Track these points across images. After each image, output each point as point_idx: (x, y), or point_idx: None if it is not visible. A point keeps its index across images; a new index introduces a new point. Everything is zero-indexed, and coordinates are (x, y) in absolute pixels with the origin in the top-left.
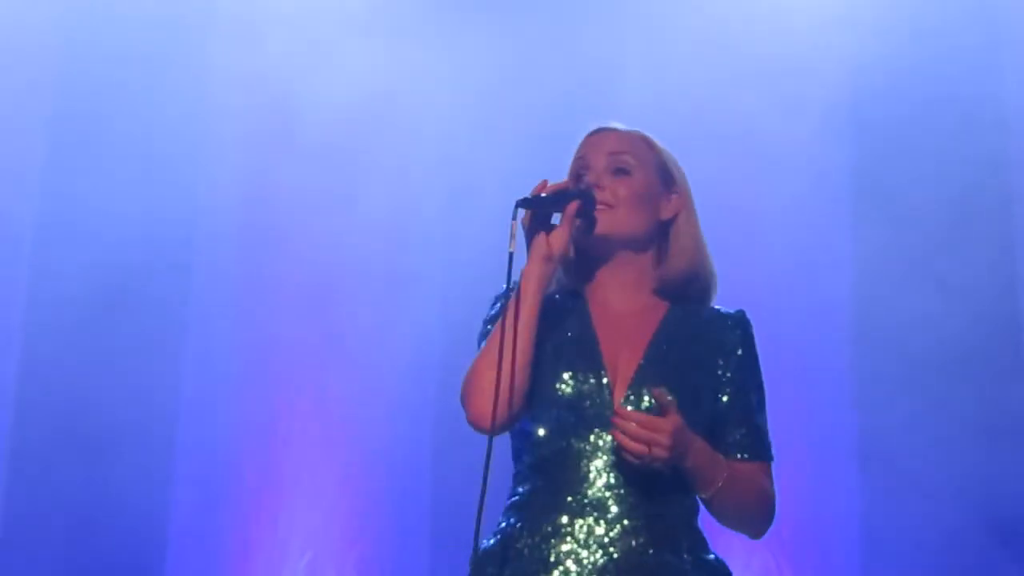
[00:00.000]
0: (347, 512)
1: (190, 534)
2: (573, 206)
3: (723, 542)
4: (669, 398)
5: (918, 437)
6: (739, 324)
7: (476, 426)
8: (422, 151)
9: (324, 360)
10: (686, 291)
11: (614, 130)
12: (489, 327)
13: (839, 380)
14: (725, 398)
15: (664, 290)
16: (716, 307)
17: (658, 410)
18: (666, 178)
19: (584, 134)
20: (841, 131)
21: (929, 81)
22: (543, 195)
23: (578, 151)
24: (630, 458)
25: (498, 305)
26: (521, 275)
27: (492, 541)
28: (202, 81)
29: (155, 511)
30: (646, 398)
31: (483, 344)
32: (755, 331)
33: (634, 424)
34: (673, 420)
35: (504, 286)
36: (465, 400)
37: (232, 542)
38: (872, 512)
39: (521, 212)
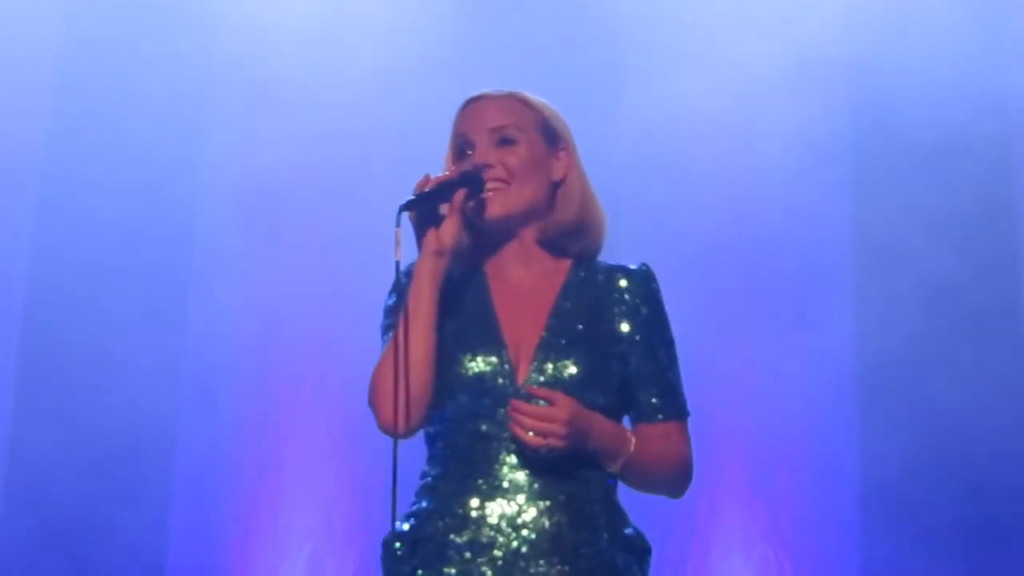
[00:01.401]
0: (347, 506)
1: (191, 527)
2: (460, 195)
3: (722, 540)
4: (548, 392)
5: (918, 435)
6: (642, 279)
7: (388, 432)
8: (424, 145)
9: (325, 353)
10: (577, 243)
11: (490, 99)
12: (389, 320)
13: (839, 378)
14: (633, 360)
15: (555, 246)
16: (620, 264)
17: (563, 385)
18: (550, 136)
19: (458, 106)
20: (841, 123)
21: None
22: (426, 191)
23: (456, 127)
24: (528, 452)
25: (395, 296)
26: (414, 273)
27: (406, 525)
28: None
29: (156, 504)
30: (548, 373)
31: (384, 344)
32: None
33: (528, 418)
34: (567, 408)
35: (392, 293)
36: (373, 407)
37: (232, 535)
38: (872, 509)
39: (405, 215)
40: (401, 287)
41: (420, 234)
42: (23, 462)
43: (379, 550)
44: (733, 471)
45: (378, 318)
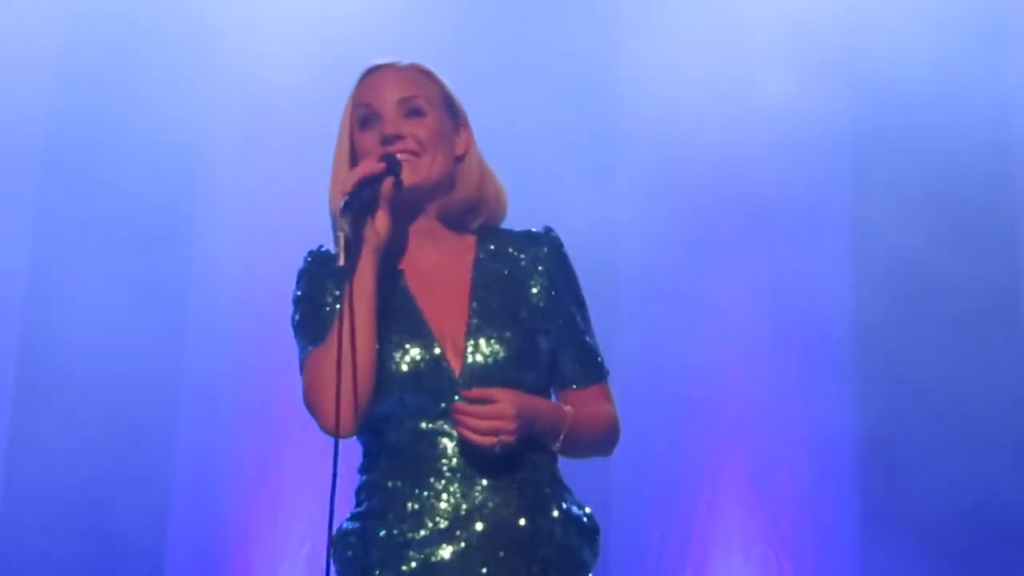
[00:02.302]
0: (347, 505)
1: (190, 524)
2: (388, 183)
3: (721, 539)
4: (487, 392)
5: (918, 432)
6: (547, 244)
7: (331, 433)
8: None
9: None
10: (479, 218)
11: (395, 69)
12: (300, 315)
13: (840, 376)
14: (554, 330)
15: (457, 223)
16: (525, 231)
17: (496, 369)
18: (453, 110)
19: (358, 75)
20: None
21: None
22: (359, 189)
23: (357, 97)
24: (481, 451)
25: (302, 285)
26: (356, 275)
27: (355, 525)
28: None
29: (155, 503)
30: (479, 360)
31: (313, 345)
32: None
33: (475, 420)
34: (512, 402)
35: (337, 304)
36: (314, 408)
37: (232, 534)
38: (871, 507)
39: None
40: (312, 277)
41: (357, 231)
42: (22, 462)
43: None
44: (733, 471)
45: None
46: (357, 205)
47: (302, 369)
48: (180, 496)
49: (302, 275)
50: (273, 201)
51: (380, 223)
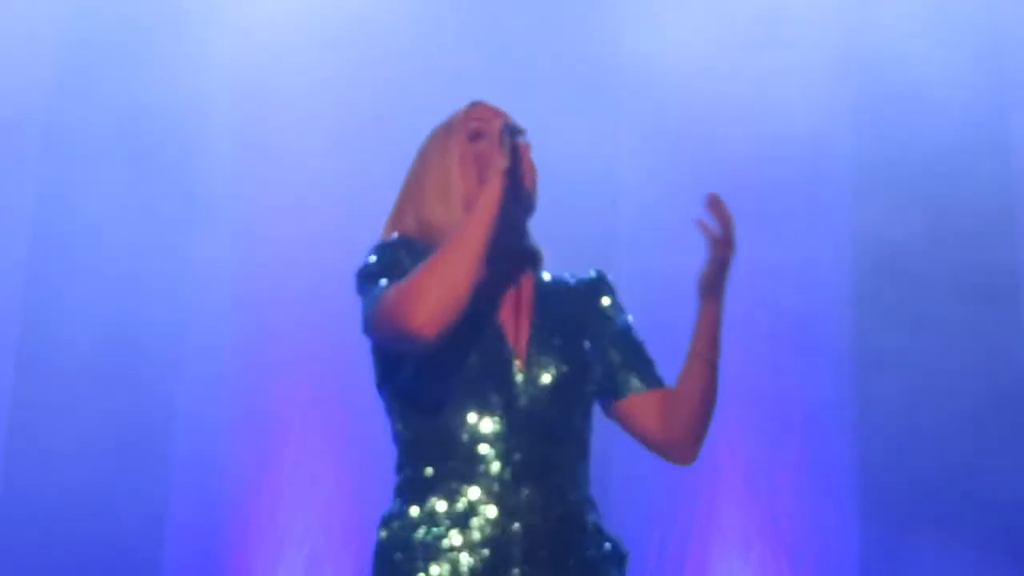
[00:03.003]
0: (346, 505)
1: (189, 526)
2: (527, 148)
3: (720, 538)
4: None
5: (917, 434)
6: (604, 283)
7: (417, 334)
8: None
9: (324, 351)
10: (534, 252)
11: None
12: (380, 264)
13: (838, 377)
14: (614, 347)
15: (521, 251)
16: (574, 272)
17: (555, 381)
18: None
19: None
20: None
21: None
22: (511, 140)
23: (472, 113)
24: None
25: (382, 249)
26: (485, 195)
27: (396, 525)
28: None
29: (153, 504)
30: (542, 367)
31: (391, 280)
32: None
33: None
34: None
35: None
36: (407, 308)
37: (230, 535)
38: (869, 508)
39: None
40: (391, 246)
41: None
42: (19, 463)
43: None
44: (732, 472)
45: None
46: (508, 136)
47: (380, 298)
48: (179, 498)
49: (382, 246)
50: (273, 203)
51: (497, 162)
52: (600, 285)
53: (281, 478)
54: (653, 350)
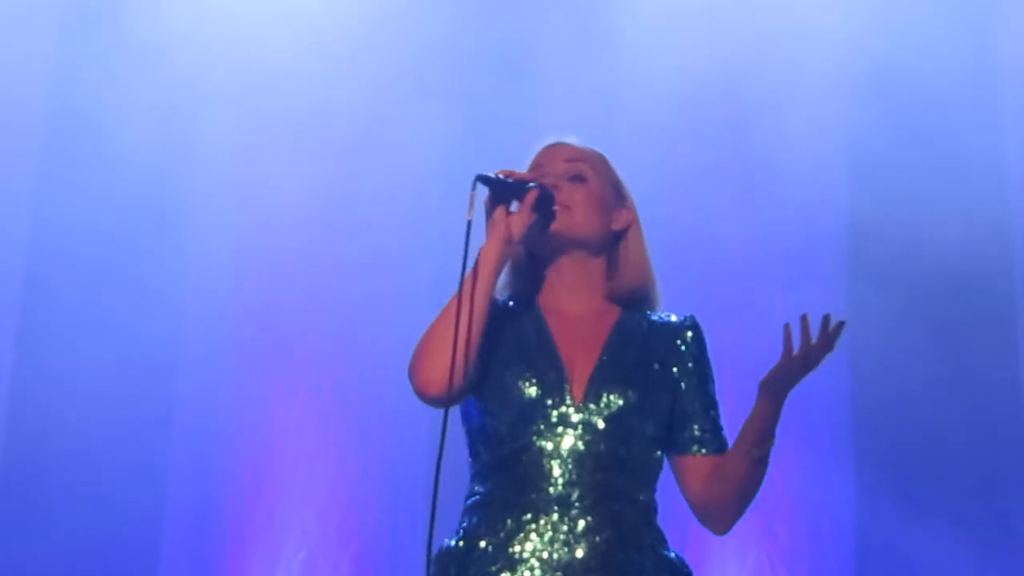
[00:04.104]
0: (342, 510)
1: (185, 531)
2: (533, 194)
3: (717, 543)
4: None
5: (915, 439)
6: (691, 327)
7: (422, 393)
8: (420, 158)
9: (320, 356)
10: (635, 302)
11: (571, 143)
12: None
13: (836, 378)
14: (683, 396)
15: (615, 297)
16: (667, 313)
17: (618, 409)
18: (618, 193)
19: (540, 147)
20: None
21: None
22: (506, 178)
23: (535, 160)
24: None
25: None
26: (479, 254)
27: (454, 541)
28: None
29: (150, 508)
30: (604, 397)
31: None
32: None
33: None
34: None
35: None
36: (414, 368)
37: (227, 539)
38: (866, 510)
39: (480, 186)
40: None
41: (491, 218)
42: (18, 466)
43: (377, 557)
44: None
45: (372, 324)
46: (493, 183)
47: None
48: (175, 502)
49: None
50: (270, 211)
51: (515, 221)
52: (686, 331)
53: (278, 482)
54: None
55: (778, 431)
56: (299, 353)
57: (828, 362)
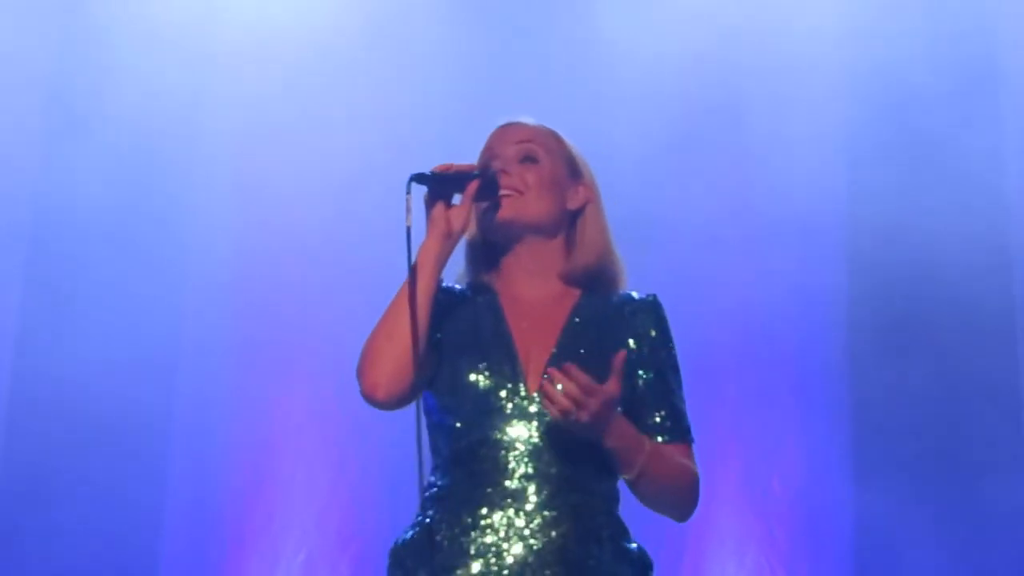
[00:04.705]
0: (342, 511)
1: (185, 532)
2: (473, 185)
3: (716, 544)
4: (585, 379)
5: (913, 442)
6: (652, 308)
7: (368, 397)
8: (422, 153)
9: (320, 357)
10: (594, 282)
11: (522, 123)
12: None
13: (834, 382)
14: (641, 382)
15: (572, 280)
16: (628, 292)
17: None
18: (573, 170)
19: (492, 130)
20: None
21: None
22: (442, 173)
23: (486, 143)
24: (553, 412)
25: None
26: (419, 251)
27: (411, 534)
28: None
29: (149, 509)
30: (560, 388)
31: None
32: (751, 335)
33: (568, 382)
34: (610, 390)
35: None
36: (359, 373)
37: (227, 540)
38: (866, 513)
39: (416, 187)
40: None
41: (430, 215)
42: (16, 469)
43: (376, 558)
44: (726, 478)
45: (372, 326)
46: (434, 188)
47: None
48: (175, 504)
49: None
50: (269, 213)
51: (455, 215)
52: (647, 312)
53: (277, 485)
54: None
55: (775, 435)
56: (299, 354)
57: (828, 364)
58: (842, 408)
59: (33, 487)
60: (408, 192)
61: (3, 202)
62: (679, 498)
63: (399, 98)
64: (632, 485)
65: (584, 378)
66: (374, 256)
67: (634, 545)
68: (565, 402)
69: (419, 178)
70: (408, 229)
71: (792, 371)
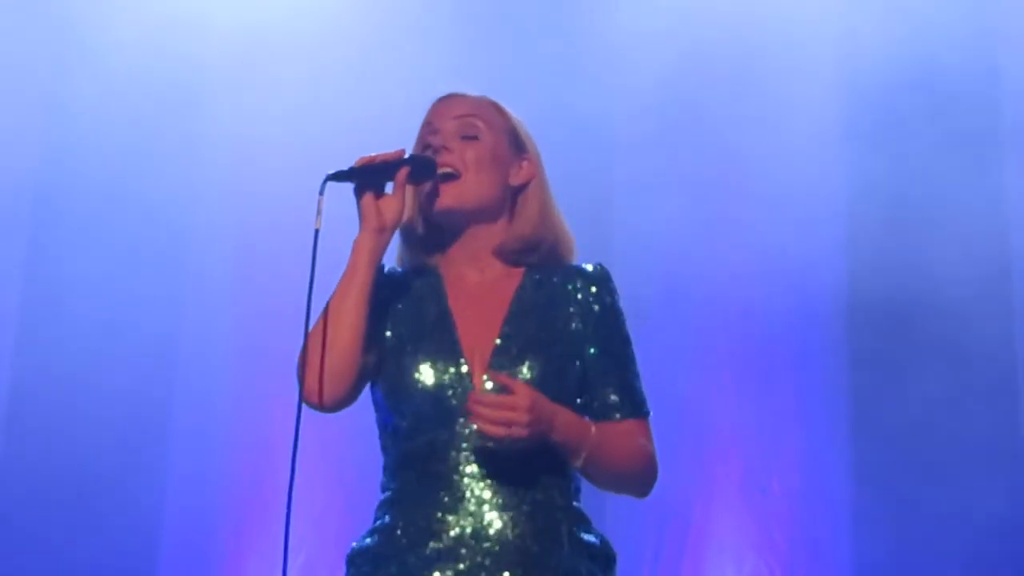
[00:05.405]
0: (341, 514)
1: (184, 536)
2: (403, 172)
3: (715, 546)
4: (508, 380)
5: (912, 446)
6: (597, 279)
7: (308, 403)
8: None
9: None
10: (533, 255)
11: (463, 96)
12: None
13: (833, 384)
14: (590, 359)
15: (509, 256)
16: (575, 264)
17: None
18: (516, 144)
19: (431, 101)
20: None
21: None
22: (362, 166)
23: (425, 118)
24: (490, 443)
25: None
26: (353, 246)
27: (368, 540)
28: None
29: (148, 513)
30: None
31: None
32: (744, 333)
33: (488, 408)
34: (527, 396)
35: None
36: (298, 377)
37: (225, 545)
38: (864, 519)
39: (336, 185)
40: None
41: (360, 209)
42: (14, 471)
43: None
44: (726, 482)
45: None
46: (353, 174)
47: None
48: (173, 508)
49: None
50: (268, 213)
51: (387, 206)
52: (593, 284)
53: (275, 489)
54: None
55: (774, 439)
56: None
57: (828, 366)
58: (841, 410)
59: (33, 486)
60: (321, 193)
61: (3, 201)
62: (633, 479)
63: (399, 98)
64: (582, 472)
65: (496, 399)
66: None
67: (594, 537)
68: (499, 430)
69: (339, 176)
70: (316, 232)
71: (792, 373)
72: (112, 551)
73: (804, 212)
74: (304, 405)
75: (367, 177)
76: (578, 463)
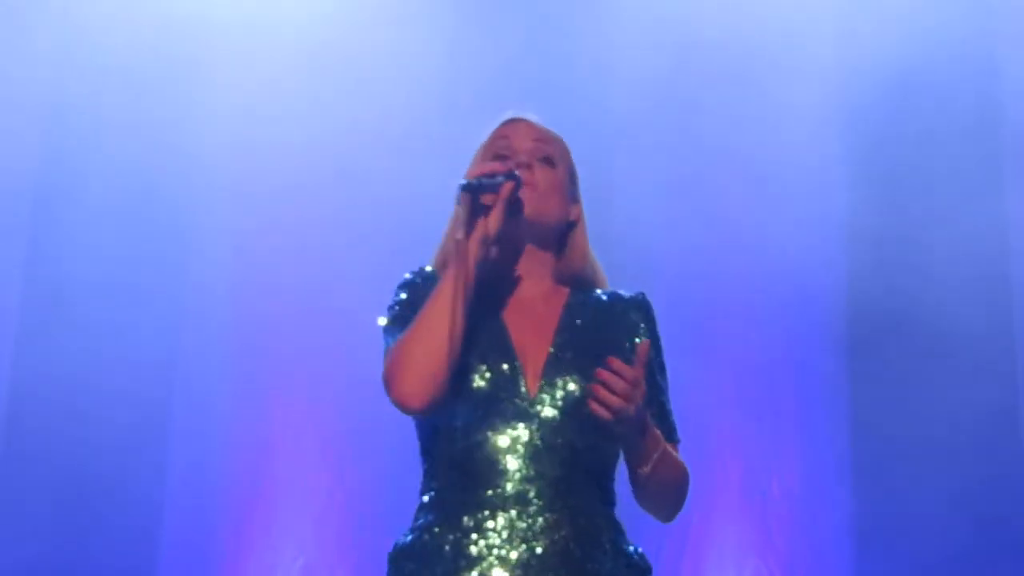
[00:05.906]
0: (340, 517)
1: (183, 539)
2: (508, 187)
3: (715, 549)
4: (622, 365)
5: (911, 448)
6: (641, 306)
7: (403, 406)
8: (421, 156)
9: (319, 364)
10: (579, 282)
11: (536, 122)
12: (400, 313)
13: (833, 385)
14: None
15: (562, 280)
16: (616, 290)
17: (573, 400)
18: (575, 184)
19: (501, 119)
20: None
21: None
22: (481, 178)
23: (498, 132)
24: (603, 414)
25: (406, 291)
26: (458, 252)
27: (410, 538)
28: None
29: (148, 513)
30: (559, 387)
31: (411, 325)
32: (750, 345)
33: (623, 382)
34: (640, 379)
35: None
36: (393, 379)
37: (225, 548)
38: (864, 518)
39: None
40: (415, 287)
41: (469, 220)
42: (13, 472)
43: (375, 564)
44: (726, 484)
45: (372, 329)
46: (475, 188)
47: (387, 354)
48: (173, 510)
49: (406, 285)
50: (271, 215)
51: (492, 221)
52: (637, 310)
53: (275, 491)
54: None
55: (775, 442)
56: (299, 358)
57: (828, 367)
58: (842, 411)
59: (33, 486)
60: (458, 203)
61: (3, 201)
62: (678, 497)
63: (399, 98)
64: (643, 480)
65: (630, 371)
66: (375, 256)
67: (632, 548)
68: (618, 401)
69: (467, 188)
70: (458, 242)
71: (792, 374)
72: (112, 551)
73: (804, 212)
74: (398, 408)
75: (483, 190)
76: (646, 468)
